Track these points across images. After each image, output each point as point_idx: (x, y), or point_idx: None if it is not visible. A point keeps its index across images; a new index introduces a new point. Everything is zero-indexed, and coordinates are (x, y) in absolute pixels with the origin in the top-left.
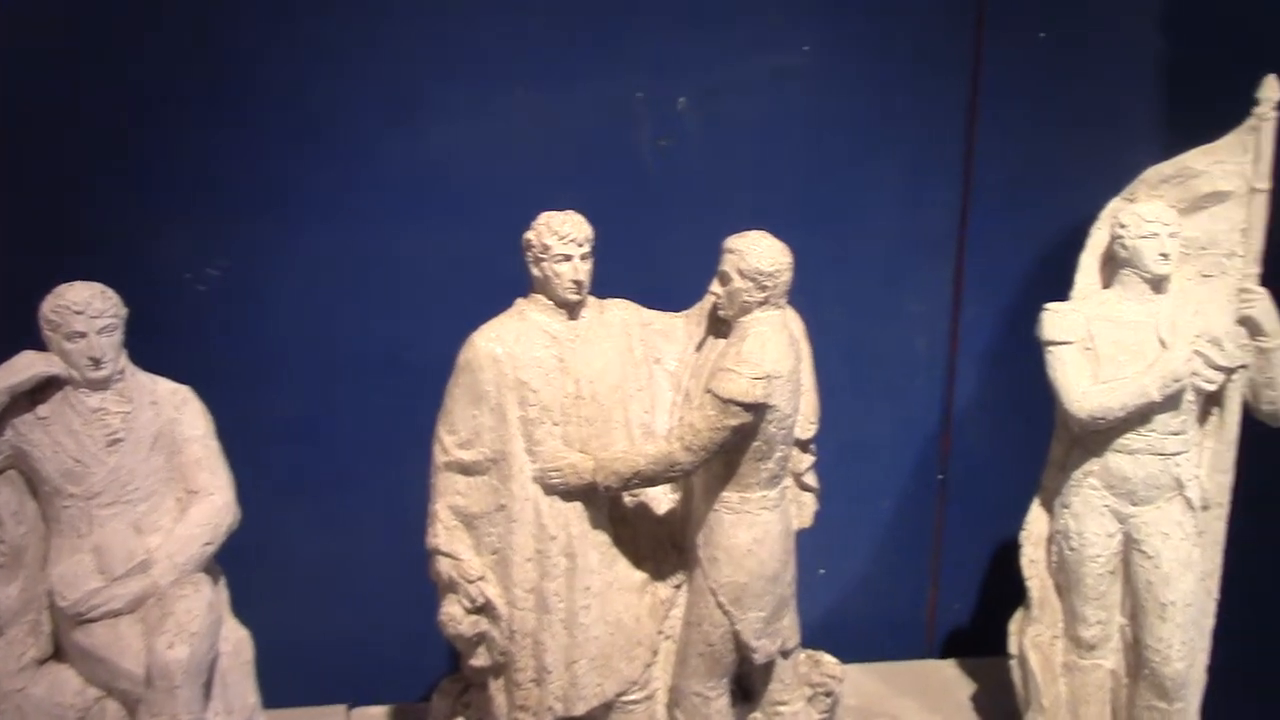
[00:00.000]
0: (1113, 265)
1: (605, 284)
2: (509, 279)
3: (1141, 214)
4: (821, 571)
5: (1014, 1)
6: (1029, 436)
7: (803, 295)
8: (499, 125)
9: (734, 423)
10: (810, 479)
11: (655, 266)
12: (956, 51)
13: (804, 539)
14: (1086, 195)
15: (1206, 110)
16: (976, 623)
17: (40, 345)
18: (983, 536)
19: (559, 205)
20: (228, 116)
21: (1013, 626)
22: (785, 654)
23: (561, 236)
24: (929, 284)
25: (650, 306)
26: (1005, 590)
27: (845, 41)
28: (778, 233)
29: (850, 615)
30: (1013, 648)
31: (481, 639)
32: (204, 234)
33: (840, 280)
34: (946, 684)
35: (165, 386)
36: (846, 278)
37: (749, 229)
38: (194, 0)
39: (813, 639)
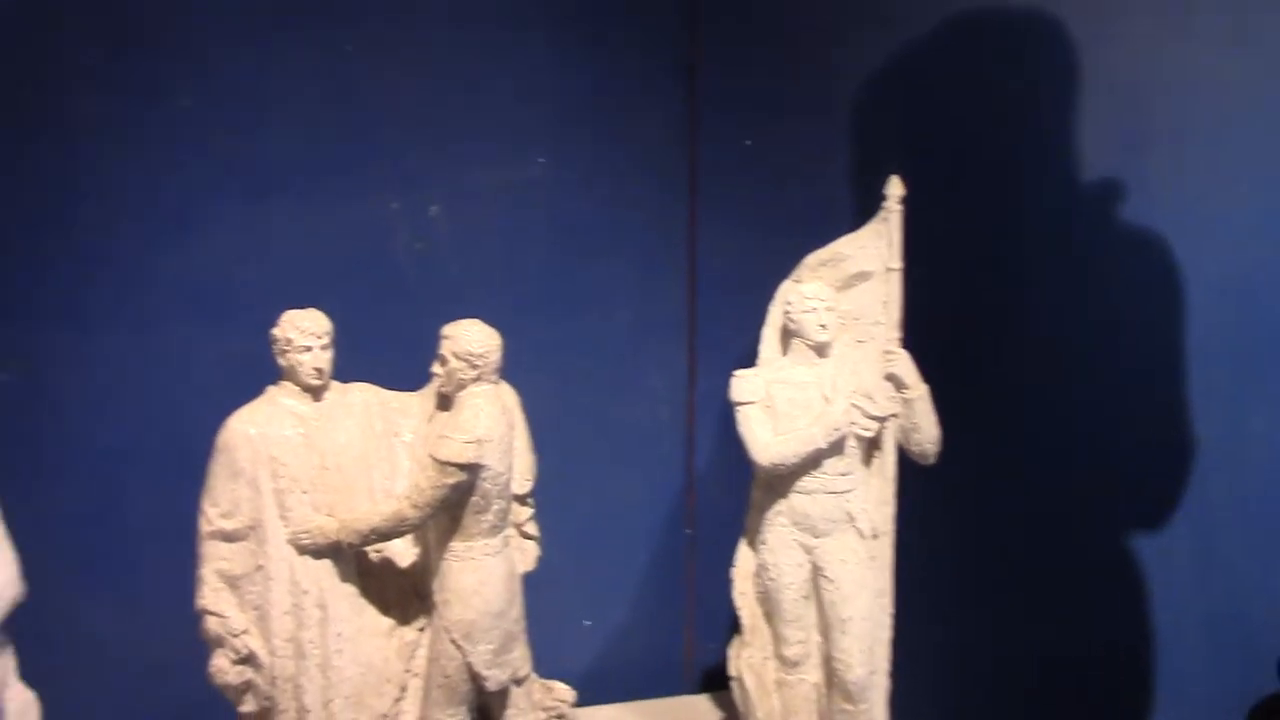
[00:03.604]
0: (787, 336)
1: (370, 371)
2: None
3: (804, 293)
4: (587, 623)
5: (723, 115)
6: None
7: (551, 375)
8: (267, 235)
9: (452, 481)
10: (530, 528)
11: (416, 355)
12: (675, 159)
13: (570, 593)
14: (783, 276)
15: (860, 203)
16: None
17: None
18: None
19: (324, 305)
20: (13, 227)
21: (731, 652)
22: (518, 682)
23: (302, 330)
24: (667, 362)
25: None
26: None
27: (576, 153)
28: (525, 323)
29: (616, 660)
30: (732, 670)
31: (248, 687)
32: None
33: (585, 362)
34: (699, 714)
35: None
36: (591, 360)
37: (496, 321)
38: None
39: (580, 684)
